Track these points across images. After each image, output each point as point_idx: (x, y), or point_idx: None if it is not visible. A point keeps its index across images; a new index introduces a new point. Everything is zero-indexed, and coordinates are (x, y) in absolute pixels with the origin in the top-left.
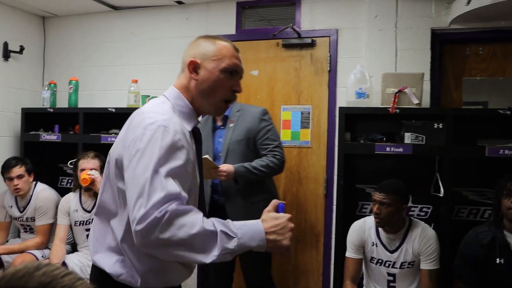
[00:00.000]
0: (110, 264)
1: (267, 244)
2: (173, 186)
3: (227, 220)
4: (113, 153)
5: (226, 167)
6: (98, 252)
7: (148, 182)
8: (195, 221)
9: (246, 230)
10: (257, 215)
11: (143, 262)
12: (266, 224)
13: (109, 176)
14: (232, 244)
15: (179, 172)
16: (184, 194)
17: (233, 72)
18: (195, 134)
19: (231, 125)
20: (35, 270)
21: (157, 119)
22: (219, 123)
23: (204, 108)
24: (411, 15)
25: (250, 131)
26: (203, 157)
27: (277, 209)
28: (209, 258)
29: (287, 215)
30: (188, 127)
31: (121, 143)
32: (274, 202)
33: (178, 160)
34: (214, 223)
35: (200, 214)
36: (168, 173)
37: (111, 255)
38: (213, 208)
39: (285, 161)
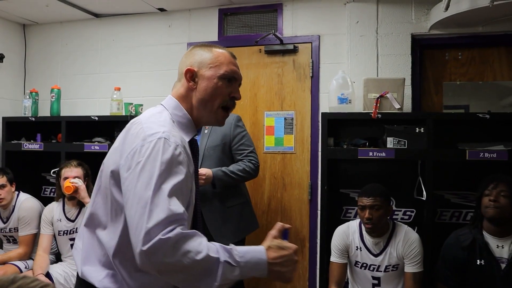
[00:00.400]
0: (100, 278)
1: (269, 274)
2: (176, 206)
3: (231, 246)
4: (107, 163)
5: (205, 170)
6: (87, 265)
7: (150, 201)
8: (199, 248)
9: (249, 259)
10: (233, 219)
11: (134, 278)
12: (272, 253)
13: (102, 187)
14: (233, 275)
15: (181, 187)
16: (185, 213)
17: (232, 79)
18: (192, 145)
19: (206, 131)
20: (10, 283)
21: (157, 130)
22: None
23: (203, 117)
24: (391, 21)
25: (226, 136)
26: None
27: (282, 235)
28: (210, 286)
29: (294, 247)
30: (187, 138)
31: (117, 153)
32: (279, 226)
33: (179, 175)
34: (219, 251)
35: (204, 239)
36: (171, 190)
37: (101, 269)
38: None
39: (259, 166)
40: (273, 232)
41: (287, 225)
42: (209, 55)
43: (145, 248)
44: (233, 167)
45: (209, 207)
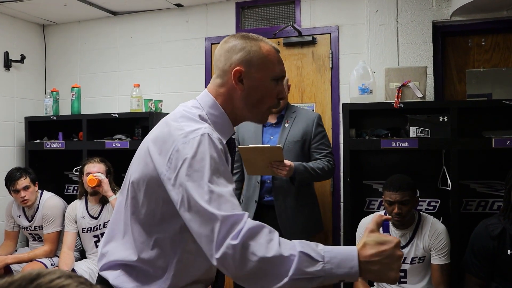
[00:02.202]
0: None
1: (366, 273)
2: (232, 203)
3: (316, 243)
4: (142, 171)
5: (289, 162)
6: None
7: (208, 207)
8: (269, 243)
9: (335, 254)
10: (303, 217)
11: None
12: (367, 250)
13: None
14: (313, 268)
15: (230, 180)
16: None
17: (280, 79)
18: (229, 145)
19: (287, 125)
20: (28, 282)
21: (199, 126)
22: (270, 121)
23: (248, 118)
24: (411, 9)
25: (307, 134)
26: (276, 146)
27: (382, 228)
28: (281, 280)
29: (395, 240)
30: (223, 139)
31: (153, 159)
32: (378, 218)
33: (226, 168)
34: (295, 243)
35: (276, 234)
36: (223, 186)
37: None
38: (260, 207)
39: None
40: (370, 225)
41: (387, 216)
42: (257, 53)
43: (218, 256)
44: (313, 164)
45: (282, 201)
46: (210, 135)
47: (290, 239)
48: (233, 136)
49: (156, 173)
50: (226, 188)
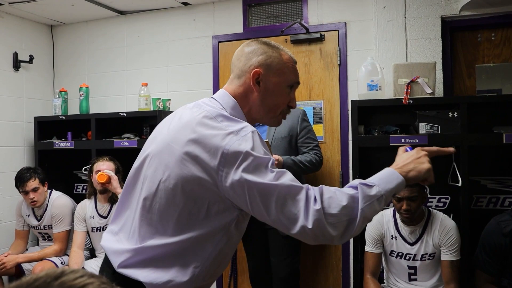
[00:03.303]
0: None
1: (408, 175)
2: (290, 177)
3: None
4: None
5: (277, 156)
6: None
7: (281, 188)
8: (339, 196)
9: (379, 177)
10: None
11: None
12: (400, 163)
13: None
14: (374, 191)
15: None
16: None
17: (294, 86)
18: None
19: None
20: (53, 280)
21: (243, 125)
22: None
23: (261, 119)
24: (420, 4)
25: (292, 129)
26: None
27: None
28: (357, 209)
29: (417, 149)
30: None
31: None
32: (402, 148)
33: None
34: (351, 184)
35: (334, 188)
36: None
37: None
38: None
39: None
40: (398, 152)
41: (407, 145)
42: (277, 59)
43: (310, 226)
44: (301, 157)
45: None
46: (253, 131)
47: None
48: None
49: (200, 174)
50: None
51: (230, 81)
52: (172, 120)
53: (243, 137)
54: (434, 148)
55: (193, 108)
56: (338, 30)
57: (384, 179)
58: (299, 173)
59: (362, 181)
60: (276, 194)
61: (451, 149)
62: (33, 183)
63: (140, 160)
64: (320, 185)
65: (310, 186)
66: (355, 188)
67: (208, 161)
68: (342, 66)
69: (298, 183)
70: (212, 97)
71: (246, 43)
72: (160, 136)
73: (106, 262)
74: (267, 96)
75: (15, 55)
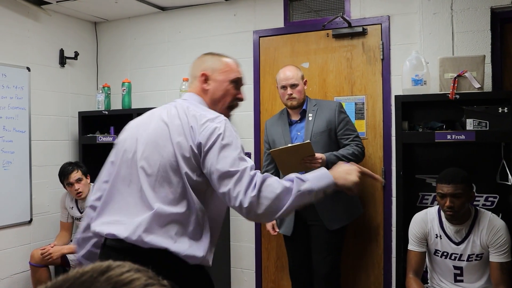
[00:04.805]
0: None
1: (337, 180)
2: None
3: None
4: (168, 148)
5: (320, 155)
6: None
7: (239, 165)
8: (276, 185)
9: (314, 175)
10: (342, 203)
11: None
12: (334, 170)
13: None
14: (306, 185)
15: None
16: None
17: (238, 82)
18: None
19: (310, 118)
20: (99, 274)
21: (218, 114)
22: (294, 118)
23: (216, 111)
24: None
25: (330, 122)
26: (305, 142)
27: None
28: (288, 198)
29: (352, 164)
30: None
31: (180, 135)
32: (341, 162)
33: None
34: (288, 177)
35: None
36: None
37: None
38: None
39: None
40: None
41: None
42: (219, 62)
43: (246, 205)
44: (343, 151)
45: None
46: (227, 120)
47: (331, 227)
48: (264, 138)
49: (184, 153)
50: (249, 161)
51: (189, 85)
52: (161, 114)
53: (221, 121)
54: (366, 170)
55: (176, 105)
56: (381, 24)
57: (317, 177)
58: None
59: (298, 175)
60: (224, 172)
61: (381, 179)
62: (76, 174)
63: (127, 152)
64: (265, 173)
65: (258, 172)
66: (291, 180)
67: (193, 139)
68: (385, 61)
69: (247, 168)
70: (183, 98)
71: (198, 57)
72: (147, 130)
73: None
74: (215, 91)
75: (61, 51)
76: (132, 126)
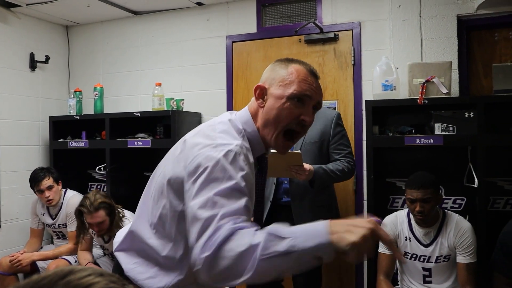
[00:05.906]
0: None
1: (333, 236)
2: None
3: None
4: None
5: (308, 166)
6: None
7: (202, 209)
8: (241, 241)
9: (304, 229)
10: (320, 220)
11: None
12: (335, 221)
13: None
14: (283, 245)
15: (244, 194)
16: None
17: (303, 99)
18: (261, 163)
19: None
20: (59, 278)
21: (231, 142)
22: None
23: (267, 140)
24: (435, 3)
25: (325, 134)
26: (296, 151)
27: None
28: (248, 263)
29: (371, 220)
30: (251, 157)
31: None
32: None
33: (248, 184)
34: (268, 228)
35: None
36: (232, 201)
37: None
38: (276, 207)
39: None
40: None
41: (378, 218)
42: (283, 71)
43: (200, 266)
44: (332, 166)
45: (299, 203)
46: (237, 152)
47: None
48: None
49: (182, 175)
50: (236, 203)
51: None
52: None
53: (218, 151)
54: (387, 235)
55: (211, 121)
56: (352, 30)
57: (307, 232)
58: (329, 183)
59: (277, 229)
60: (194, 215)
61: (404, 260)
62: (47, 181)
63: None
64: (243, 224)
65: (230, 223)
66: (265, 234)
67: (185, 164)
68: (356, 66)
69: (218, 219)
70: (235, 112)
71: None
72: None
73: (117, 264)
74: (269, 111)
75: (32, 55)
76: None
